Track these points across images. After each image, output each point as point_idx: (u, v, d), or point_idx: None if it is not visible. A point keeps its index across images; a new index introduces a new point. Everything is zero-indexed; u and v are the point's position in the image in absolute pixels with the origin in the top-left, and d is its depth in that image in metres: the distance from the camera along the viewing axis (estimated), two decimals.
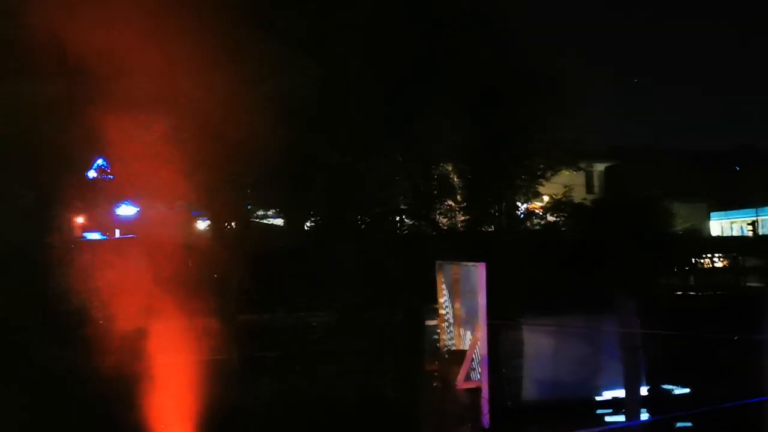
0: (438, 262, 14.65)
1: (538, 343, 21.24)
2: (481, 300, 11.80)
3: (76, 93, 24.56)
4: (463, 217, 27.31)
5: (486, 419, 11.39)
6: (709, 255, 33.35)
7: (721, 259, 34.36)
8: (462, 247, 24.74)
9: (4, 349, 18.54)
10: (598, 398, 21.67)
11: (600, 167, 44.83)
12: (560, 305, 22.50)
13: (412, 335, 16.39)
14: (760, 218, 44.63)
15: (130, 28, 22.97)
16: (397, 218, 26.26)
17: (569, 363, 21.93)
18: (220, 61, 25.62)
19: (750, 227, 44.61)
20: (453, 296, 13.62)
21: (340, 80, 25.74)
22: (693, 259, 31.02)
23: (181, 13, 24.21)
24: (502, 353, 21.05)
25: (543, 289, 22.63)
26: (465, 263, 13.33)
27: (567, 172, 34.20)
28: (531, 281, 24.19)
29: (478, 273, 11.96)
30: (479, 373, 11.90)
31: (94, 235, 26.68)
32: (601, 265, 25.91)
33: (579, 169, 36.44)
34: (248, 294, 23.08)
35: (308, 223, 28.27)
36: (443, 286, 14.08)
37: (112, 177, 25.99)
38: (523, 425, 19.19)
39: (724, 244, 37.51)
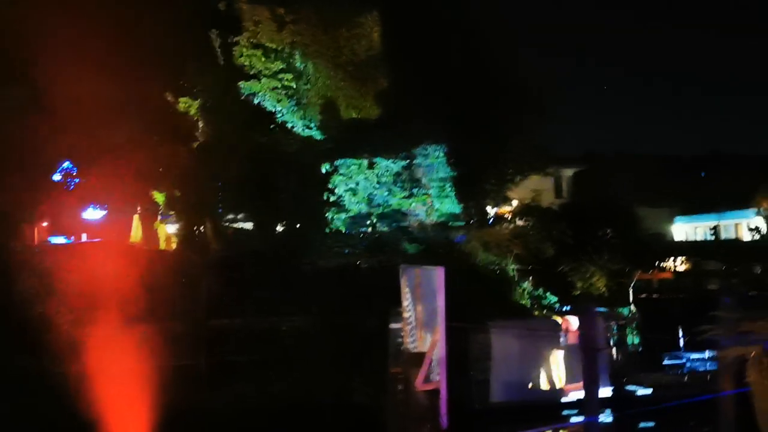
0: (401, 266, 14.88)
1: (505, 346, 21.49)
2: (440, 302, 12.01)
3: (42, 95, 24.46)
4: (433, 221, 27.54)
5: (444, 420, 11.59)
6: (672, 259, 34.06)
7: (684, 263, 35.12)
8: (432, 250, 25.02)
9: None
10: (564, 399, 21.99)
11: (569, 172, 45.48)
12: (525, 307, 22.84)
13: (379, 338, 16.56)
14: (722, 223, 45.66)
15: (99, 33, 22.96)
16: (368, 222, 26.41)
17: (536, 365, 22.24)
18: (191, 66, 25.74)
19: (712, 232, 45.60)
20: (415, 299, 13.84)
21: (313, 88, 25.96)
22: (656, 263, 31.68)
23: (152, 17, 24.27)
24: (470, 355, 21.26)
25: (509, 292, 23.00)
26: (426, 267, 13.56)
27: (536, 177, 34.76)
28: (498, 284, 24.58)
29: (437, 276, 12.19)
30: (438, 374, 12.10)
31: (60, 239, 26.39)
32: (566, 268, 26.40)
33: (547, 174, 37.04)
34: (218, 298, 23.03)
35: (279, 227, 28.32)
36: (407, 290, 14.29)
37: (78, 180, 25.86)
38: (484, 426, 19.42)
39: (686, 248, 38.34)
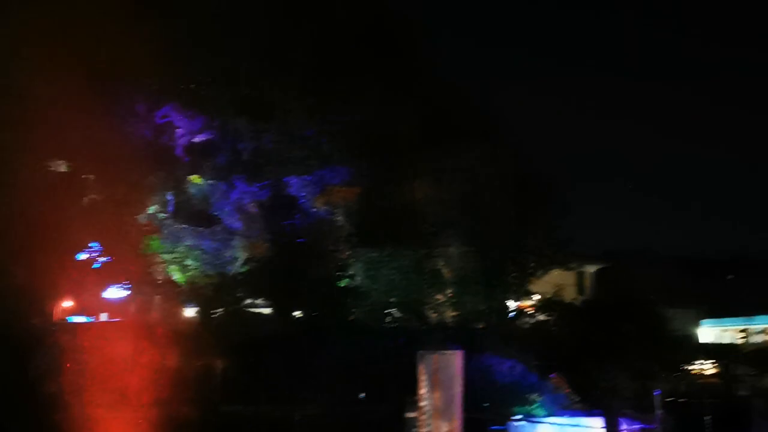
0: (419, 353, 14.60)
1: None
2: (458, 388, 11.68)
3: (74, 176, 25.30)
4: (452, 313, 27.26)
5: None
6: (699, 361, 33.11)
7: (712, 366, 34.08)
8: (451, 342, 24.59)
9: None
10: None
11: (591, 269, 45.05)
12: (549, 404, 22.08)
13: (394, 428, 16.05)
14: (751, 327, 44.56)
15: (128, 116, 24.02)
16: (386, 311, 26.21)
17: None
18: (218, 150, 26.59)
19: (741, 336, 44.44)
20: (433, 387, 13.47)
21: (338, 173, 26.56)
22: (683, 365, 30.77)
23: (180, 103, 25.38)
24: None
25: (530, 387, 22.31)
26: (445, 351, 13.30)
27: (558, 272, 34.45)
28: (519, 378, 23.91)
29: (456, 361, 11.92)
30: None
31: (80, 318, 26.45)
32: (590, 367, 25.67)
33: (570, 269, 36.69)
34: (233, 383, 22.75)
35: (297, 312, 28.18)
36: (424, 377, 13.97)
37: (104, 260, 26.19)
38: None
39: (714, 351, 37.28)
